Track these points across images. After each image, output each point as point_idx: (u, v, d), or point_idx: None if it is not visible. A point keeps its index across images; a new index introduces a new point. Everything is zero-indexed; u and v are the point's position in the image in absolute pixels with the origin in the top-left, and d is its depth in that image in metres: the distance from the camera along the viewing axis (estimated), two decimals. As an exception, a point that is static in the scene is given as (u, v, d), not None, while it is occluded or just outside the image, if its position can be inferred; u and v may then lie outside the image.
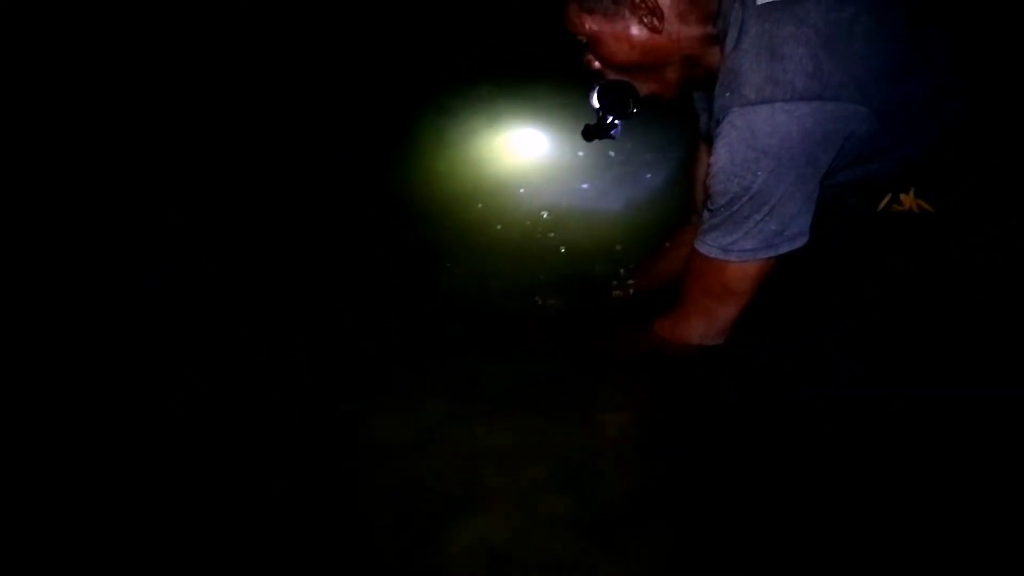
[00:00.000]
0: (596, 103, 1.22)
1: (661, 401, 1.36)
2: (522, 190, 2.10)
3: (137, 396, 1.47)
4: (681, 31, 1.10)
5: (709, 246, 1.11)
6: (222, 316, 1.69)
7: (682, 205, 1.67)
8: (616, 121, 1.24)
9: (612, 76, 1.19)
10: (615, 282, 1.71)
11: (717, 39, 1.10)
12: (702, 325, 1.19)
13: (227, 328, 1.65)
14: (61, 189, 2.10)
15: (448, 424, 1.35)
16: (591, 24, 1.12)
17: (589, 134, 1.27)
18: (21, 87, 2.31)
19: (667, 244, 1.63)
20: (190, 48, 2.50)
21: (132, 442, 1.37)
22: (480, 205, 2.05)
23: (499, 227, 1.98)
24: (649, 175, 2.10)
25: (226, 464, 1.31)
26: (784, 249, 1.07)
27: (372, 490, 1.26)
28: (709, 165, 1.07)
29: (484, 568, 1.11)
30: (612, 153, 2.16)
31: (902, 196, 1.14)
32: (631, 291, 1.67)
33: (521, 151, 2.27)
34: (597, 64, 1.19)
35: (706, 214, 1.13)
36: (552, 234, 1.94)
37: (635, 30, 1.10)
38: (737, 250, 1.08)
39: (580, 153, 2.16)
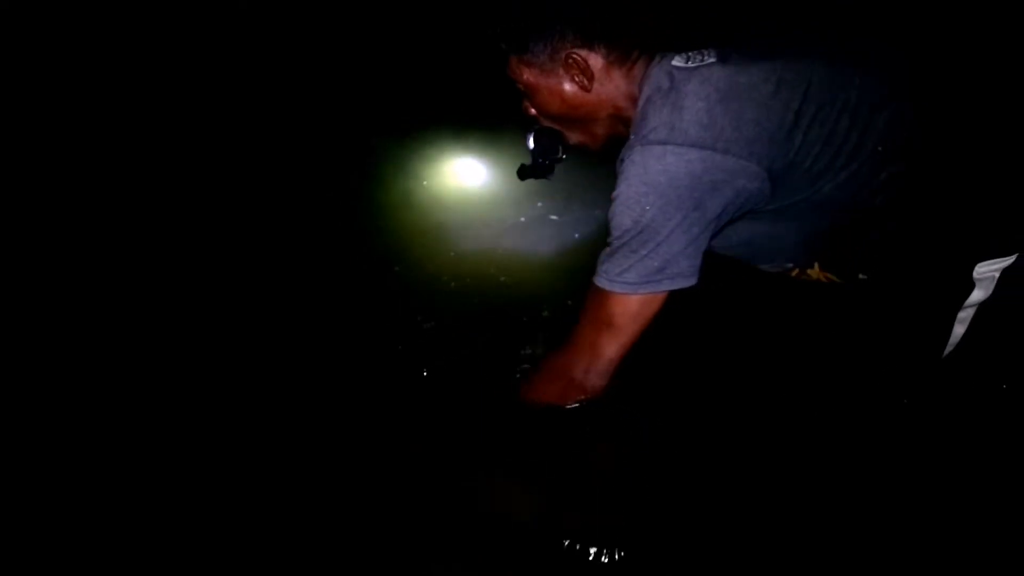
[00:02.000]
0: (532, 145, 1.31)
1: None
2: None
3: (137, 396, 1.47)
4: (608, 92, 1.18)
5: (599, 276, 1.16)
6: (222, 316, 1.70)
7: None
8: (548, 164, 1.33)
9: (546, 123, 1.28)
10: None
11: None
12: (586, 359, 1.22)
13: (226, 328, 1.65)
14: (60, 189, 2.10)
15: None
16: (528, 76, 1.19)
17: (524, 173, 1.36)
18: (21, 87, 2.30)
19: None
20: (190, 48, 2.50)
21: (132, 442, 1.37)
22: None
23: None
24: (577, 233, 2.13)
25: (223, 465, 1.31)
26: (664, 287, 1.12)
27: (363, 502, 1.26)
28: (611, 199, 1.12)
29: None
30: (554, 217, 2.21)
31: (808, 271, 1.18)
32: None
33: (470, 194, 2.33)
34: (533, 111, 1.27)
35: (606, 247, 1.17)
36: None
37: (567, 86, 1.18)
38: (621, 281, 1.13)
39: (522, 218, 2.21)
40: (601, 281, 1.15)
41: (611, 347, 1.18)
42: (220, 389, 1.49)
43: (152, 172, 2.22)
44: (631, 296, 1.13)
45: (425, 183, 2.38)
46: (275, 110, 2.47)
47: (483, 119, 2.36)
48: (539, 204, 2.24)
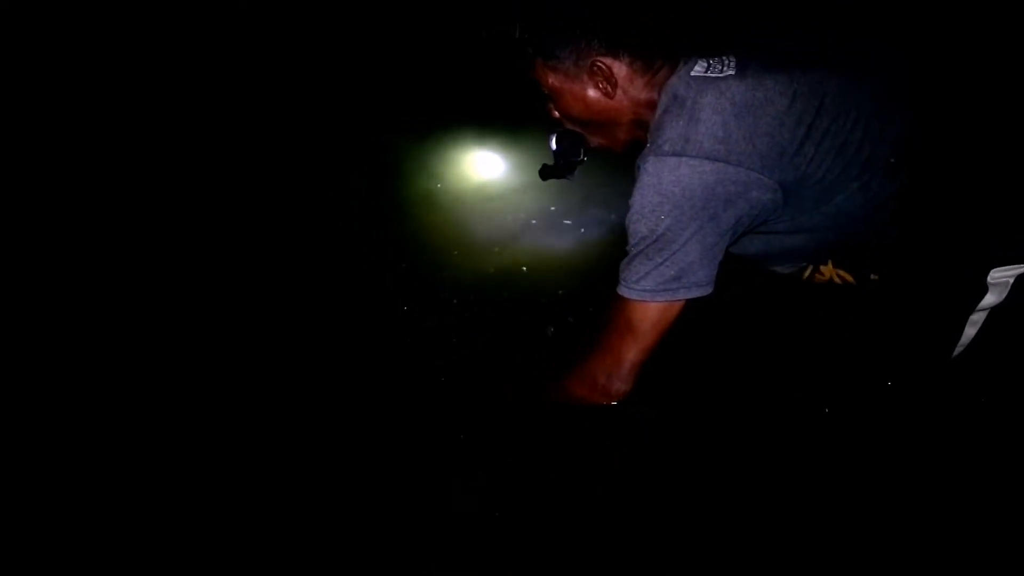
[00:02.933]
0: (554, 146, 1.34)
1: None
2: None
3: (140, 394, 1.47)
4: (631, 98, 1.21)
5: (620, 284, 1.18)
6: (225, 315, 1.69)
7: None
8: (569, 165, 1.35)
9: (569, 126, 1.31)
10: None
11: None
12: (609, 363, 1.23)
13: (229, 327, 1.65)
14: (60, 189, 2.10)
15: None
16: (554, 80, 1.22)
17: (545, 174, 1.39)
18: (21, 87, 2.30)
19: None
20: (190, 48, 2.51)
21: (132, 441, 1.37)
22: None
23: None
24: (589, 236, 2.15)
25: (224, 464, 1.31)
26: (681, 296, 1.13)
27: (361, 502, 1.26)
28: (628, 207, 1.14)
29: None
30: (568, 220, 2.21)
31: (822, 267, 1.21)
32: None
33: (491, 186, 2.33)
34: (556, 114, 1.30)
35: (625, 255, 1.19)
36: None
37: (591, 92, 1.21)
38: (639, 288, 1.14)
39: (534, 221, 2.21)
40: (621, 289, 1.17)
41: (631, 352, 1.19)
42: (222, 388, 1.50)
43: (162, 174, 2.22)
44: (649, 303, 1.14)
45: (439, 184, 2.38)
46: (286, 109, 2.46)
47: (501, 120, 2.37)
48: (552, 208, 2.24)
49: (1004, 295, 1.11)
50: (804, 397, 1.29)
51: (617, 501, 1.22)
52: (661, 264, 1.11)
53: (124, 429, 1.41)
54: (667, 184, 1.07)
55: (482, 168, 2.43)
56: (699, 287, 1.13)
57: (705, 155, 1.05)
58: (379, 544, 1.18)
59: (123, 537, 1.20)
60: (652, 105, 1.19)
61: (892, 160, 1.10)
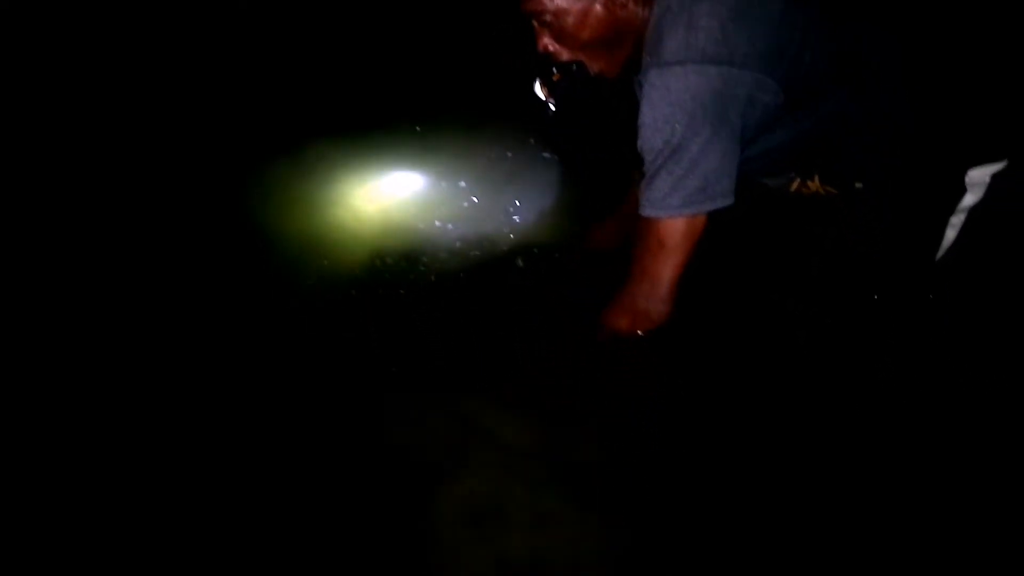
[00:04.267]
0: (540, 93, 1.32)
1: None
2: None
3: (136, 396, 1.46)
4: (638, 10, 1.19)
5: (644, 206, 1.18)
6: (216, 313, 1.68)
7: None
8: (566, 103, 1.33)
9: (566, 57, 1.25)
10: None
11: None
12: (647, 288, 1.24)
13: (221, 325, 1.64)
14: (59, 189, 2.07)
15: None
16: (561, 1, 1.18)
17: (552, 123, 1.38)
18: (21, 87, 2.27)
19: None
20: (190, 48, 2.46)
21: (132, 443, 1.36)
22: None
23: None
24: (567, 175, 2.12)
25: (221, 466, 1.31)
26: (708, 207, 1.15)
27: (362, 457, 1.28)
28: (638, 128, 1.14)
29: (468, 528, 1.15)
30: (547, 155, 2.19)
31: (809, 182, 1.23)
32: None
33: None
34: (552, 46, 1.25)
35: (643, 180, 1.19)
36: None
37: (599, 7, 1.18)
38: (665, 205, 1.15)
39: (509, 153, 2.17)
40: (646, 210, 1.17)
41: (667, 270, 1.21)
42: (221, 388, 1.48)
43: (162, 174, 2.17)
44: (677, 219, 1.15)
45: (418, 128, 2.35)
46: (288, 110, 2.42)
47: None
48: (531, 140, 2.21)
49: (981, 195, 1.14)
50: (795, 307, 1.33)
51: (617, 500, 1.22)
52: (683, 177, 1.11)
53: (120, 430, 1.39)
54: (676, 92, 1.07)
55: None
56: (723, 197, 1.14)
57: (709, 59, 1.06)
58: (379, 544, 1.18)
59: (118, 537, 1.20)
60: (646, 22, 1.18)
61: (880, 69, 1.12)
